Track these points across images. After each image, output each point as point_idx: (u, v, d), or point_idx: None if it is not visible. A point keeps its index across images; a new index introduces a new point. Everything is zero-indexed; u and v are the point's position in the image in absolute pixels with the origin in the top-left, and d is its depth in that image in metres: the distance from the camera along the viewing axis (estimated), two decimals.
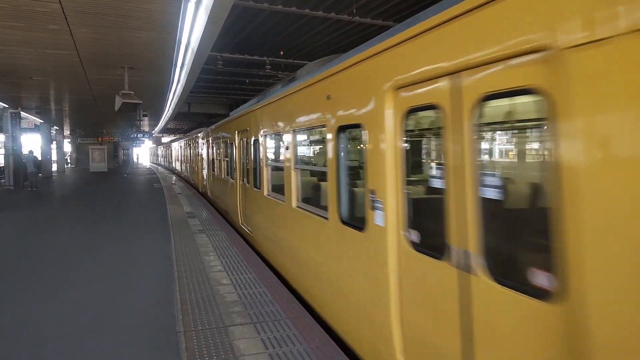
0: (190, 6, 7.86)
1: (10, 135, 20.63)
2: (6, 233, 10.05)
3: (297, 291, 5.43)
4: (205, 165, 16.64)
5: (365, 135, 3.47)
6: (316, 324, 4.40)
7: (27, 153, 20.78)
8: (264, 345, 3.91)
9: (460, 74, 2.40)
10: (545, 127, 1.90)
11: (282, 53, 15.24)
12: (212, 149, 14.53)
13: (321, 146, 7.72)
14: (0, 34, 8.45)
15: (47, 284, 6.02)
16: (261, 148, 7.42)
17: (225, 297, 5.16)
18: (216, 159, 13.63)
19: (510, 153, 2.73)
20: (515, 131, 2.77)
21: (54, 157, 33.67)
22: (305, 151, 8.64)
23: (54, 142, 33.32)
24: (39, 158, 23.40)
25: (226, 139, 11.37)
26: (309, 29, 12.89)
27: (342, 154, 4.09)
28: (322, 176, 4.88)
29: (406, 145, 3.06)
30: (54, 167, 32.99)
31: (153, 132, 41.39)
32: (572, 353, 1.74)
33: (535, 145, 2.05)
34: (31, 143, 27.19)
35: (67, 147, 44.31)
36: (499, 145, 2.73)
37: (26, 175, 19.93)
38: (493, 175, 2.27)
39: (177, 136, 47.30)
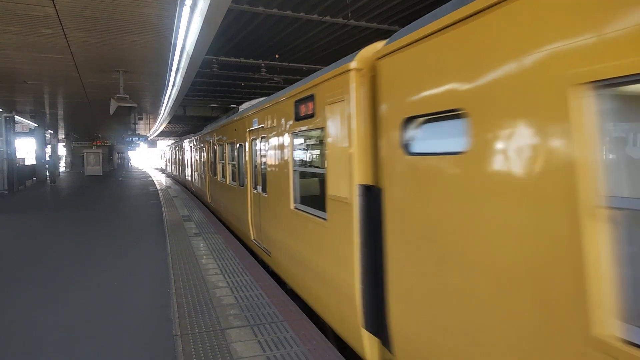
0: (186, 10, 7.88)
1: (4, 140, 20.47)
2: (1, 238, 10.00)
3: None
4: None
5: (243, 147, 8.60)
6: (313, 325, 4.42)
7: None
8: (261, 347, 3.92)
9: (258, 130, 7.08)
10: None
11: (277, 56, 15.28)
12: None
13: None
14: None
15: (43, 287, 6.00)
16: None
17: (222, 300, 5.17)
18: None
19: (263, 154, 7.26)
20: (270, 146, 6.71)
21: None
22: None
23: (49, 146, 33.14)
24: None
25: None
26: (304, 32, 12.93)
27: (242, 155, 9.13)
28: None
29: (254, 152, 7.73)
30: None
31: (148, 135, 41.26)
32: (258, 207, 7.34)
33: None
34: (29, 147, 27.62)
35: (62, 150, 44.04)
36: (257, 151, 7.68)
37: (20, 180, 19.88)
38: (262, 158, 7.07)
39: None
